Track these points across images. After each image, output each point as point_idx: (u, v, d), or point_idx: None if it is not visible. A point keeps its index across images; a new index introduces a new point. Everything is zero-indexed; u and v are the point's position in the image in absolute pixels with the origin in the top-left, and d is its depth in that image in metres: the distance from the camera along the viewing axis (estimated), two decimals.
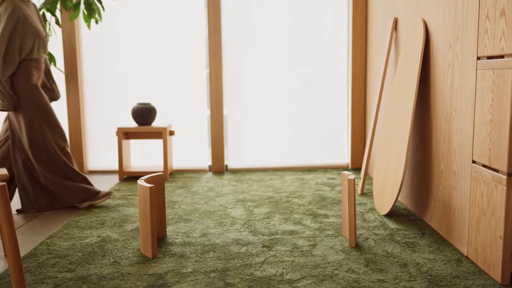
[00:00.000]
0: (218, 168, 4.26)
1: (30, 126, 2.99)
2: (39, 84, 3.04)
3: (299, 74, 4.28)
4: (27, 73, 2.94)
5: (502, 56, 1.88)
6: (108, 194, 3.16)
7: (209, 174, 4.14)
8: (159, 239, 2.50)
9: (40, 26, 3.00)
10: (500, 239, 1.90)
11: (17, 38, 2.85)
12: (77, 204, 3.12)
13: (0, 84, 2.83)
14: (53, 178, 3.05)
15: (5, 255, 2.22)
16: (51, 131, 3.06)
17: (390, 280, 1.97)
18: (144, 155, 4.36)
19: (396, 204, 3.09)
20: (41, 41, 2.98)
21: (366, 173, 3.43)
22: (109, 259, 2.24)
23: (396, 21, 3.22)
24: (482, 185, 2.03)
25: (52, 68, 4.17)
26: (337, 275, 2.02)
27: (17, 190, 3.32)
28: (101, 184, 3.87)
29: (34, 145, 3.01)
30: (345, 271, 2.06)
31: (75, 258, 2.25)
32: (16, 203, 3.31)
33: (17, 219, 2.94)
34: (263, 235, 2.54)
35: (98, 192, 3.13)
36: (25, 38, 2.88)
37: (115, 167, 4.34)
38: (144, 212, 2.25)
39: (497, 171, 1.93)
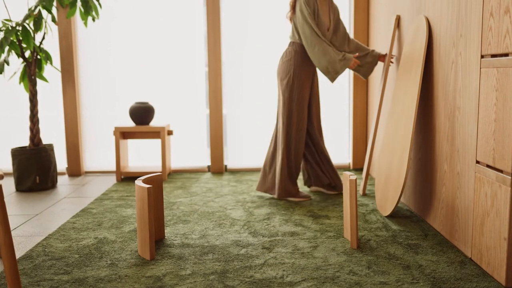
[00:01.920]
0: (217, 168, 4.26)
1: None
2: None
3: None
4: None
5: (506, 55, 1.88)
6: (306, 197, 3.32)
7: (208, 175, 4.13)
8: (157, 240, 2.50)
9: (325, 19, 3.22)
10: (504, 241, 1.90)
11: None
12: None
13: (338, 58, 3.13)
14: None
15: (0, 257, 2.22)
16: None
17: (392, 282, 1.97)
18: (142, 155, 4.36)
19: (399, 205, 3.09)
20: (324, 32, 3.22)
21: (368, 174, 3.43)
22: (106, 261, 2.24)
23: (398, 19, 3.22)
24: (486, 186, 2.03)
25: (48, 66, 4.17)
26: (338, 277, 2.02)
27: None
28: (98, 185, 3.87)
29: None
30: (347, 273, 2.06)
31: (72, 260, 2.25)
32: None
33: (13, 220, 2.93)
34: (263, 236, 2.54)
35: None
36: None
37: (113, 167, 4.34)
38: (142, 213, 2.25)
39: (501, 171, 1.93)
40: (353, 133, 4.25)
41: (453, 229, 2.38)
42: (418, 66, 2.68)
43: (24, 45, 3.60)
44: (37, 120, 3.74)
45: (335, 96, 4.32)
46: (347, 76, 4.28)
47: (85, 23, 3.71)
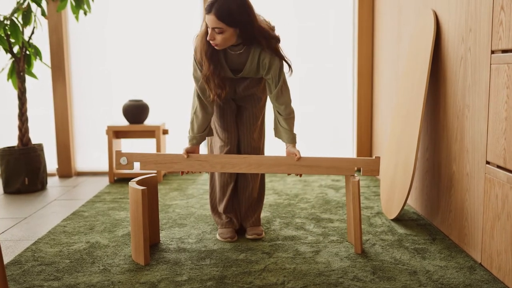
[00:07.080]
0: None
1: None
2: None
3: (302, 70, 4.28)
4: None
5: None
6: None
7: (205, 176, 4.13)
8: (152, 245, 2.50)
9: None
10: None
11: None
12: None
13: None
14: None
15: None
16: None
17: None
18: None
19: (405, 207, 3.09)
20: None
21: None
22: (99, 266, 2.24)
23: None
24: (497, 187, 2.03)
25: (37, 62, 4.16)
26: (342, 283, 2.02)
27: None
28: (90, 187, 3.87)
29: None
30: (351, 279, 2.06)
31: (62, 266, 2.25)
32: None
33: (0, 223, 2.93)
34: (263, 240, 2.54)
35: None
36: None
37: (105, 168, 4.33)
38: (136, 217, 2.25)
39: None
40: (357, 132, 4.25)
41: (462, 232, 2.38)
42: (425, 62, 2.68)
43: (12, 40, 3.60)
44: (26, 119, 3.74)
45: (338, 93, 4.32)
46: (350, 71, 4.29)
47: (77, 17, 3.71)
